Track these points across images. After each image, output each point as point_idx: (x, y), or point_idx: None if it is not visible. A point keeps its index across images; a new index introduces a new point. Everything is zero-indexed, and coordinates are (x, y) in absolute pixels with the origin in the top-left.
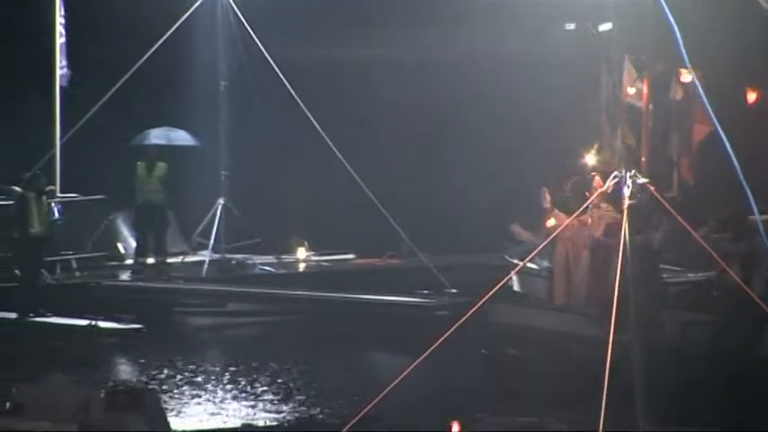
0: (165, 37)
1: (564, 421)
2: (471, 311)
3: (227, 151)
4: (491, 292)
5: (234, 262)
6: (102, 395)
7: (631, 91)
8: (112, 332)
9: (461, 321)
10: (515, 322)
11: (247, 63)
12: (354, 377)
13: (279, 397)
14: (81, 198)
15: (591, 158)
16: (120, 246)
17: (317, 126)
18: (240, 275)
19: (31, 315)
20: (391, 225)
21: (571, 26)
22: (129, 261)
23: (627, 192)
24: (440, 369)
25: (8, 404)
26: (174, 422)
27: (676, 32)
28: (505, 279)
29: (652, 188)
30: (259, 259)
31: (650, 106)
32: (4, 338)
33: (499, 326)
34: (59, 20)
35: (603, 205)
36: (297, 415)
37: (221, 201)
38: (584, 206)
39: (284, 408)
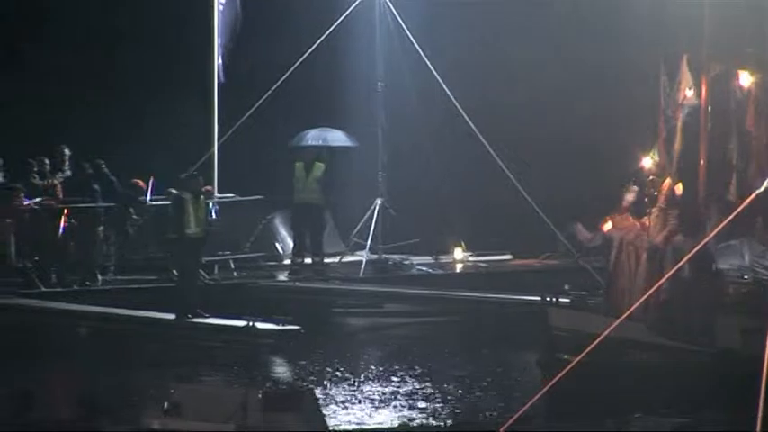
0: (323, 37)
1: (720, 423)
2: (625, 314)
3: (385, 151)
4: (645, 295)
5: (391, 262)
6: (260, 396)
7: (689, 93)
8: (270, 333)
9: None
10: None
11: (404, 63)
12: (510, 378)
13: (435, 397)
14: (239, 198)
15: (647, 161)
16: (277, 246)
17: (473, 127)
18: (397, 276)
19: (189, 316)
20: (548, 226)
21: None
22: (287, 261)
23: None
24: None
25: (166, 405)
26: (331, 422)
27: None
28: (661, 280)
29: None
30: (416, 260)
31: (709, 108)
32: (162, 339)
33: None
34: (217, 21)
35: (669, 210)
36: (453, 415)
37: (379, 201)
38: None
39: (440, 408)
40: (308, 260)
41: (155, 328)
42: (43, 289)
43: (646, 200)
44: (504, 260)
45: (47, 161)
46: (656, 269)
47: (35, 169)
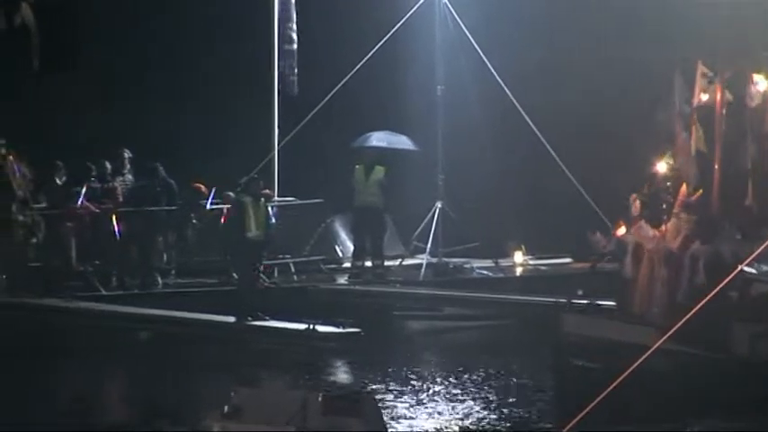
0: (382, 41)
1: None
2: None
3: (445, 155)
4: (707, 297)
5: (451, 266)
6: (320, 399)
7: (704, 97)
8: (330, 336)
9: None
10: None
11: (464, 66)
12: (568, 381)
13: (495, 401)
14: (299, 202)
15: (662, 166)
16: (337, 249)
17: (535, 129)
18: (457, 279)
19: (249, 319)
20: (610, 229)
21: None
22: (347, 264)
23: None
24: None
25: (227, 407)
26: (391, 426)
27: None
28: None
29: None
30: (476, 263)
31: (723, 112)
32: (223, 342)
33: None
34: (276, 25)
35: (684, 216)
36: (513, 418)
37: (439, 204)
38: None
39: (500, 412)
40: (368, 263)
41: (215, 331)
42: (104, 292)
43: (664, 206)
44: (564, 263)
45: (107, 165)
46: (672, 275)
47: (94, 173)
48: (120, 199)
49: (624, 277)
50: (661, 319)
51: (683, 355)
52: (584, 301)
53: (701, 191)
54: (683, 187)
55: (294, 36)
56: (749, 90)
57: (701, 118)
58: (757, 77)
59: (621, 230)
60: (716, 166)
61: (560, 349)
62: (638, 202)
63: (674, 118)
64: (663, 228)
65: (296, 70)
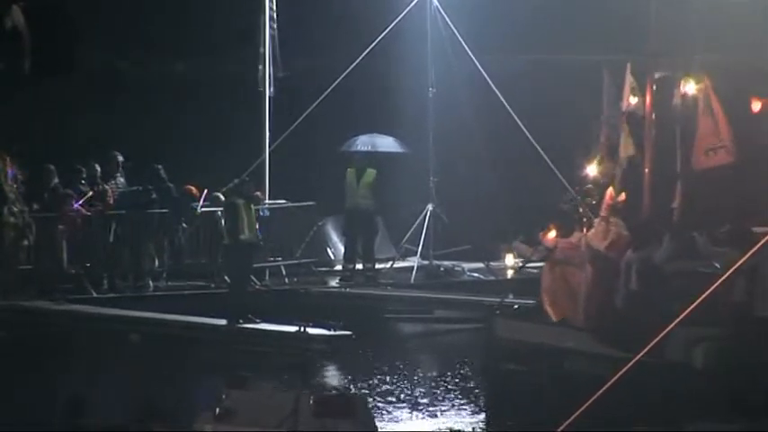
0: (373, 44)
1: None
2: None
3: (436, 157)
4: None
5: (442, 269)
6: (312, 401)
7: (633, 100)
8: (321, 338)
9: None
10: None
11: (456, 69)
12: (561, 383)
13: (485, 403)
14: (290, 204)
15: (592, 170)
16: (328, 252)
17: (526, 132)
18: (448, 282)
19: (241, 321)
20: None
21: None
22: (338, 267)
23: None
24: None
25: (218, 410)
26: (381, 428)
27: None
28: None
29: None
30: (467, 266)
31: (653, 116)
32: (214, 345)
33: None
34: (268, 29)
35: (612, 219)
36: (503, 421)
37: (430, 207)
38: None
39: (491, 414)
40: (359, 266)
41: (206, 334)
42: (95, 295)
43: (581, 209)
44: None
45: (97, 167)
46: (600, 278)
47: (84, 175)
48: (111, 201)
49: (549, 281)
50: (587, 323)
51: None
52: (515, 305)
53: (623, 194)
54: (610, 191)
55: (269, 38)
56: (678, 93)
57: (631, 121)
58: (685, 80)
59: (550, 236)
60: (646, 170)
61: (491, 353)
62: (564, 204)
63: (603, 122)
64: (590, 231)
65: (266, 69)
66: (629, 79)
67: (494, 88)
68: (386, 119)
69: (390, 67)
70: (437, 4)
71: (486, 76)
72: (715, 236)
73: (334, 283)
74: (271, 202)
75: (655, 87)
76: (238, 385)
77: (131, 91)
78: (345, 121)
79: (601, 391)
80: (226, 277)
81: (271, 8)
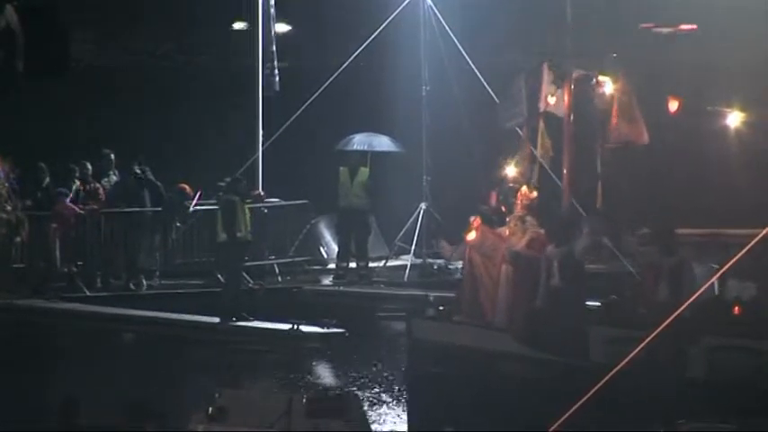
0: (366, 42)
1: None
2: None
3: (429, 156)
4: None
5: (435, 267)
6: (304, 400)
7: (552, 100)
8: (315, 337)
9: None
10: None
11: (449, 67)
12: (555, 381)
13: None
14: (283, 203)
15: (511, 170)
16: (322, 250)
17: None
18: (442, 280)
19: (234, 320)
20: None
21: None
22: (331, 266)
23: None
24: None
25: (211, 409)
26: (374, 426)
27: None
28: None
29: None
30: (460, 264)
31: (571, 116)
32: (207, 343)
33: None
34: (263, 26)
35: (528, 218)
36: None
37: (423, 205)
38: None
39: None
40: (352, 264)
41: (199, 333)
42: (88, 293)
43: (503, 209)
44: None
45: (89, 166)
46: (517, 278)
47: (77, 174)
48: (104, 200)
49: (468, 282)
50: (507, 323)
51: (540, 362)
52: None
53: (534, 192)
54: (523, 190)
55: (272, 37)
56: (597, 92)
57: (548, 120)
58: (604, 79)
59: (470, 236)
60: (564, 170)
61: (411, 355)
62: (484, 204)
63: (524, 122)
64: (507, 231)
65: (276, 70)
66: (546, 79)
67: (486, 86)
68: (380, 117)
69: (384, 65)
70: (430, 2)
71: (478, 73)
72: (638, 236)
73: (327, 281)
74: (266, 201)
75: (573, 86)
76: (231, 384)
77: (122, 90)
78: (339, 119)
79: (590, 393)
80: (219, 275)
81: (270, 5)
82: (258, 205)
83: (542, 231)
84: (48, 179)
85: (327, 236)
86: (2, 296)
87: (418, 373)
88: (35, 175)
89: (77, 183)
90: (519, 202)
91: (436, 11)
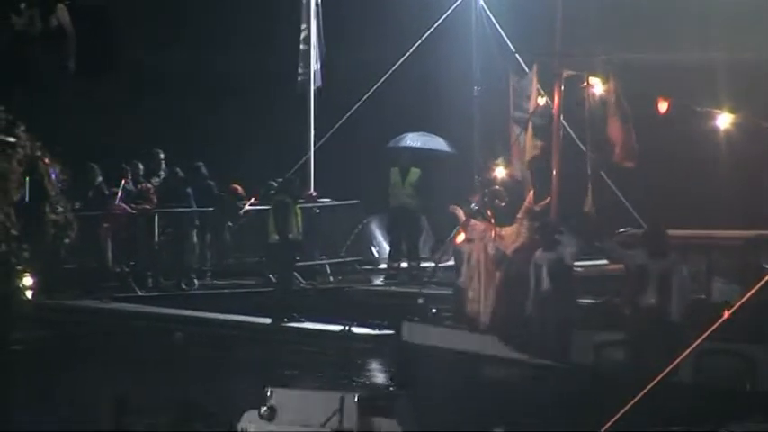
0: (418, 42)
1: None
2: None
3: (481, 156)
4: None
5: None
6: (356, 400)
7: (541, 101)
8: (366, 337)
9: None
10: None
11: (500, 67)
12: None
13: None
14: (335, 203)
15: (500, 171)
16: (373, 250)
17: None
18: None
19: (285, 320)
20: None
21: None
22: (383, 266)
23: None
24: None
25: (263, 408)
26: (424, 427)
27: None
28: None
29: None
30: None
31: (561, 117)
32: (259, 343)
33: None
34: (313, 26)
35: (527, 222)
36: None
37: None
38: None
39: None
40: (403, 264)
41: (251, 333)
42: (140, 293)
43: (488, 211)
44: (602, 264)
45: (140, 166)
46: (508, 281)
47: (129, 174)
48: (155, 200)
49: (461, 286)
50: (494, 327)
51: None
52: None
53: (548, 199)
54: (531, 195)
55: (313, 38)
56: (587, 94)
57: (538, 122)
58: (594, 80)
59: (460, 238)
60: (554, 172)
61: (402, 359)
62: (459, 211)
63: (510, 123)
64: (500, 234)
65: (320, 65)
66: (535, 80)
67: (537, 86)
68: (432, 117)
69: (436, 64)
70: (482, 2)
71: (528, 72)
72: (623, 238)
73: (378, 281)
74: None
75: (563, 88)
76: (283, 384)
77: (173, 89)
78: (391, 119)
79: (642, 394)
80: (271, 275)
81: (317, 3)
82: (309, 205)
83: (535, 237)
84: (99, 179)
85: (379, 236)
86: (54, 296)
87: (407, 376)
88: (86, 176)
89: (129, 183)
90: (525, 206)
91: (487, 10)
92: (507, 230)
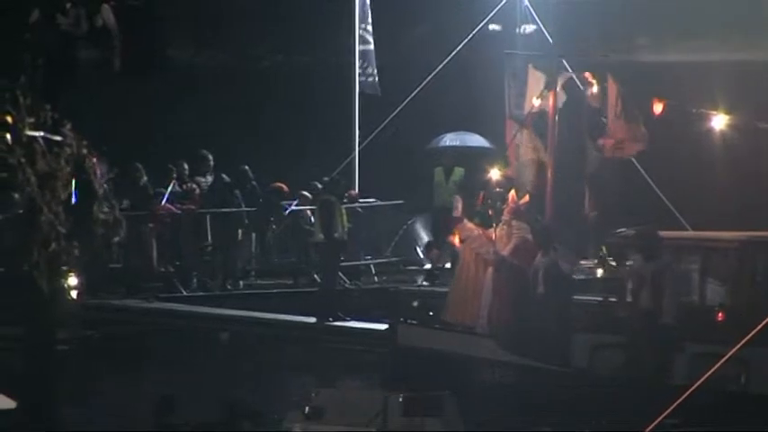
0: (462, 44)
1: None
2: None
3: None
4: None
5: None
6: (401, 399)
7: (537, 102)
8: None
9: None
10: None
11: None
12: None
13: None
14: (380, 203)
15: (495, 173)
16: (418, 250)
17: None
18: None
19: (330, 320)
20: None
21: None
22: (427, 266)
23: None
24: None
25: (307, 408)
26: (469, 426)
27: None
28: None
29: None
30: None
31: (557, 118)
32: (303, 343)
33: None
34: (358, 27)
35: (515, 223)
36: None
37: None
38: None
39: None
40: (447, 265)
41: (296, 332)
42: (185, 293)
43: (490, 212)
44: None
45: (186, 166)
46: (502, 285)
47: (174, 174)
48: (200, 200)
49: (456, 287)
50: (491, 330)
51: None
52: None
53: (527, 197)
54: (512, 193)
55: (370, 37)
56: (586, 93)
57: (535, 123)
58: (593, 80)
59: (455, 240)
60: (549, 173)
61: (395, 362)
62: (461, 203)
63: (506, 122)
64: (492, 235)
65: (375, 71)
66: (531, 80)
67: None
68: (476, 117)
69: (481, 64)
70: (527, 3)
71: (572, 73)
72: (620, 240)
73: (423, 281)
74: (361, 201)
75: (559, 88)
76: (328, 384)
77: (219, 90)
78: (436, 119)
79: (686, 395)
80: (316, 276)
81: (367, 5)
82: (354, 205)
83: (529, 237)
84: (144, 179)
85: (423, 236)
86: (99, 296)
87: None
88: (132, 175)
89: (174, 183)
90: (509, 205)
91: (532, 10)
92: (498, 232)
